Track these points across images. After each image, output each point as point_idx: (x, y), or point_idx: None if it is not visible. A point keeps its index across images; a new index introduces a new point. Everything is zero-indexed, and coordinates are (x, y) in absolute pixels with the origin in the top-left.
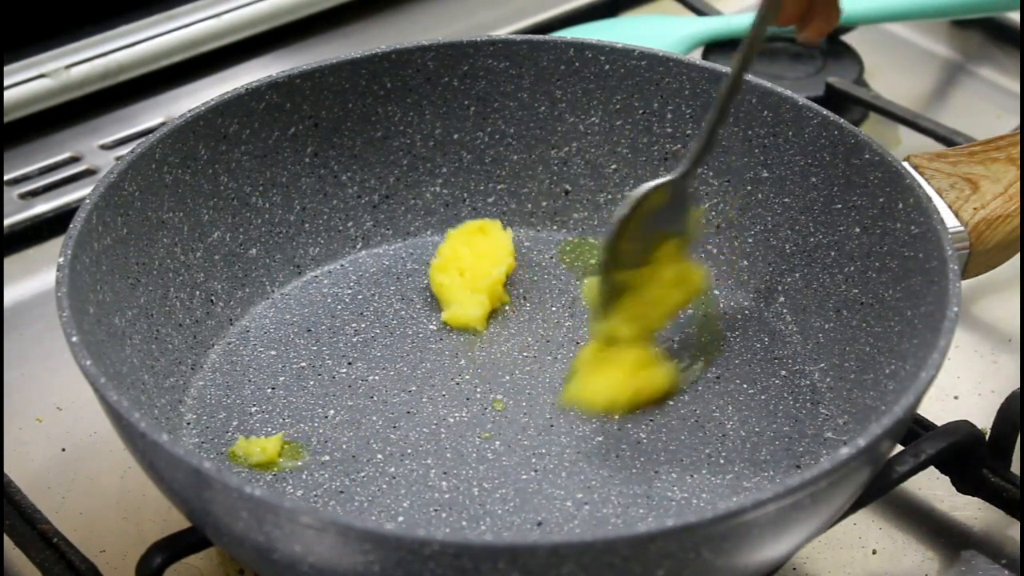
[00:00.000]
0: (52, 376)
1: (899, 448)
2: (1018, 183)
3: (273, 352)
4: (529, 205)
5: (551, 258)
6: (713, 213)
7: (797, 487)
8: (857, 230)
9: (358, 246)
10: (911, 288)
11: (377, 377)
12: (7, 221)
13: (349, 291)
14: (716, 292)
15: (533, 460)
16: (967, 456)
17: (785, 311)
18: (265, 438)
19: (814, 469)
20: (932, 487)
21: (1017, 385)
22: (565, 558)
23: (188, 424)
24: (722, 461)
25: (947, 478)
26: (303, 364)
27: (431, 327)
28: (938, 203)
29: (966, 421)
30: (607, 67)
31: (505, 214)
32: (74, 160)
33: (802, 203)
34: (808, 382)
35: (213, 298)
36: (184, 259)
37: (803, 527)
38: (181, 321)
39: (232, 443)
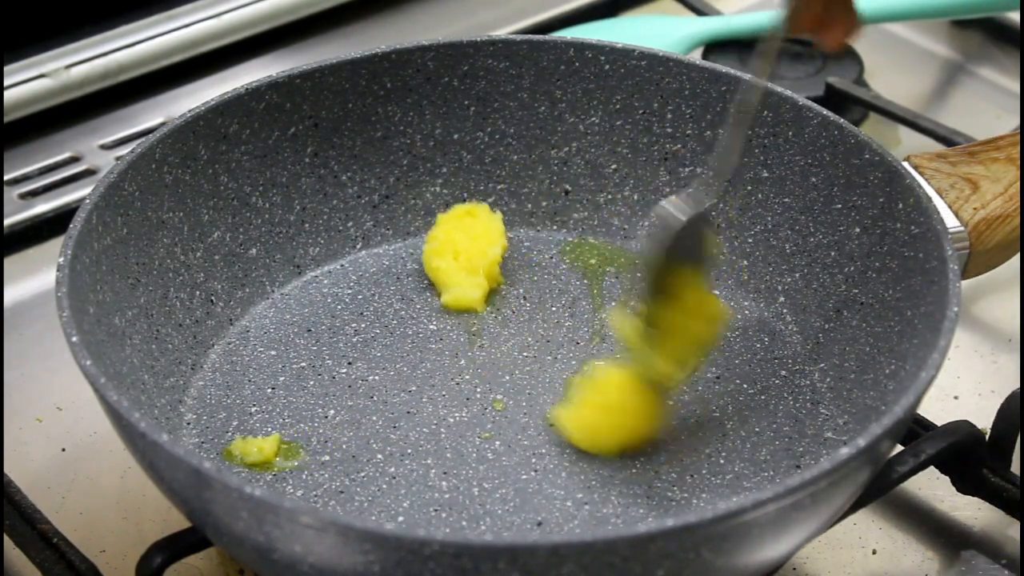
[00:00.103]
0: (52, 376)
1: (899, 448)
2: (1018, 183)
3: (273, 352)
4: (529, 205)
5: (551, 258)
6: (713, 213)
7: (797, 487)
8: (857, 230)
9: (358, 246)
10: (911, 288)
11: (377, 377)
12: (7, 221)
13: (349, 291)
14: (716, 292)
15: (533, 460)
16: (967, 456)
17: (785, 311)
18: (262, 438)
19: (814, 469)
20: (932, 487)
21: (1017, 385)
22: (565, 558)
23: (188, 424)
24: (722, 461)
25: (947, 478)
26: (303, 364)
27: (431, 327)
28: (938, 203)
29: (966, 421)
30: (607, 67)
31: (505, 214)
32: (74, 160)
33: (802, 203)
34: (808, 382)
35: (213, 298)
36: (184, 259)
37: (803, 527)
38: (181, 321)
39: (232, 443)
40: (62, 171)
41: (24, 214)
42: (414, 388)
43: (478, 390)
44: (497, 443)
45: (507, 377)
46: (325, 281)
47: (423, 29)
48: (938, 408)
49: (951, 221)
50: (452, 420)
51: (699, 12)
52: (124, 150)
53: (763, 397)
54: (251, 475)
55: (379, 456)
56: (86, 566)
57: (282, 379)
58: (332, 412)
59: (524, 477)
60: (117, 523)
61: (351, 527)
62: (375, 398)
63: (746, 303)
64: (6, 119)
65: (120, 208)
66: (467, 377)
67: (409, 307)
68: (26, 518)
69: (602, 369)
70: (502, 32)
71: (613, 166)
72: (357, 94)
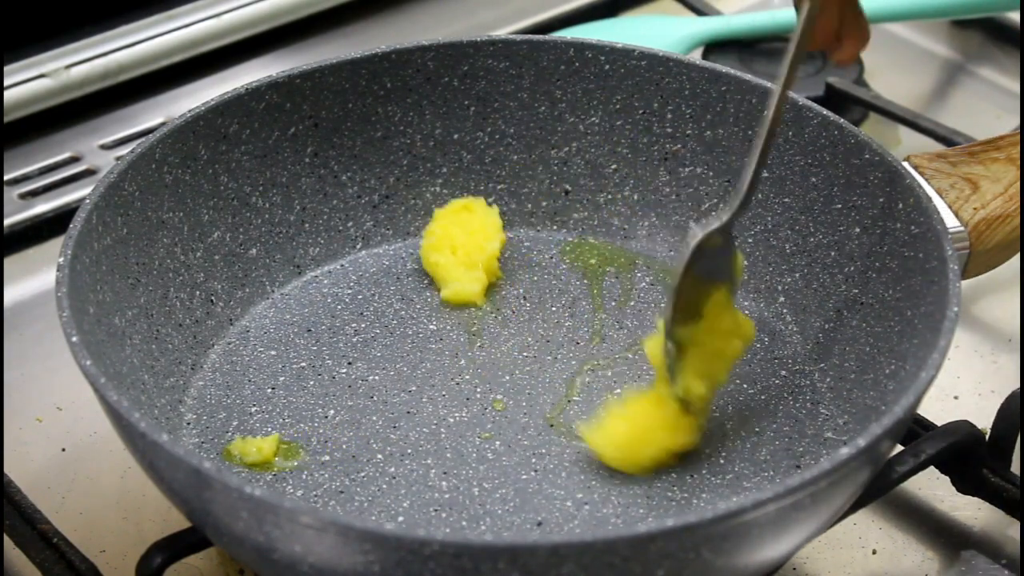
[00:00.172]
0: (52, 376)
1: (899, 448)
2: (1018, 183)
3: (273, 352)
4: (529, 205)
5: (551, 258)
6: (713, 213)
7: (797, 487)
8: (857, 230)
9: (358, 246)
10: (911, 288)
11: (377, 377)
12: (7, 221)
13: (349, 291)
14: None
15: (533, 460)
16: (967, 456)
17: (785, 311)
18: (261, 438)
19: (814, 469)
20: (932, 487)
21: (1017, 385)
22: (565, 558)
23: (188, 424)
24: (722, 461)
25: (947, 478)
26: (303, 364)
27: (431, 327)
28: (938, 203)
29: (966, 421)
30: (607, 67)
31: (505, 214)
32: (74, 160)
33: (802, 203)
34: (808, 382)
35: (213, 298)
36: (184, 259)
37: (803, 527)
38: (181, 321)
39: (231, 443)
40: (62, 171)
41: (24, 214)
42: (414, 388)
43: (478, 390)
44: (497, 443)
45: (507, 377)
46: (325, 281)
47: (423, 29)
48: (938, 408)
49: (951, 221)
50: (452, 420)
51: (699, 12)
52: (124, 150)
53: (763, 397)
54: (251, 475)
55: (379, 456)
56: (86, 566)
57: (282, 379)
58: (332, 412)
59: (524, 477)
60: (117, 523)
61: (351, 527)
62: (375, 398)
63: (746, 303)
64: (6, 119)
65: (120, 208)
66: (467, 377)
67: (409, 307)
68: (26, 518)
69: (633, 390)
70: (502, 32)
71: (613, 166)
72: (357, 94)
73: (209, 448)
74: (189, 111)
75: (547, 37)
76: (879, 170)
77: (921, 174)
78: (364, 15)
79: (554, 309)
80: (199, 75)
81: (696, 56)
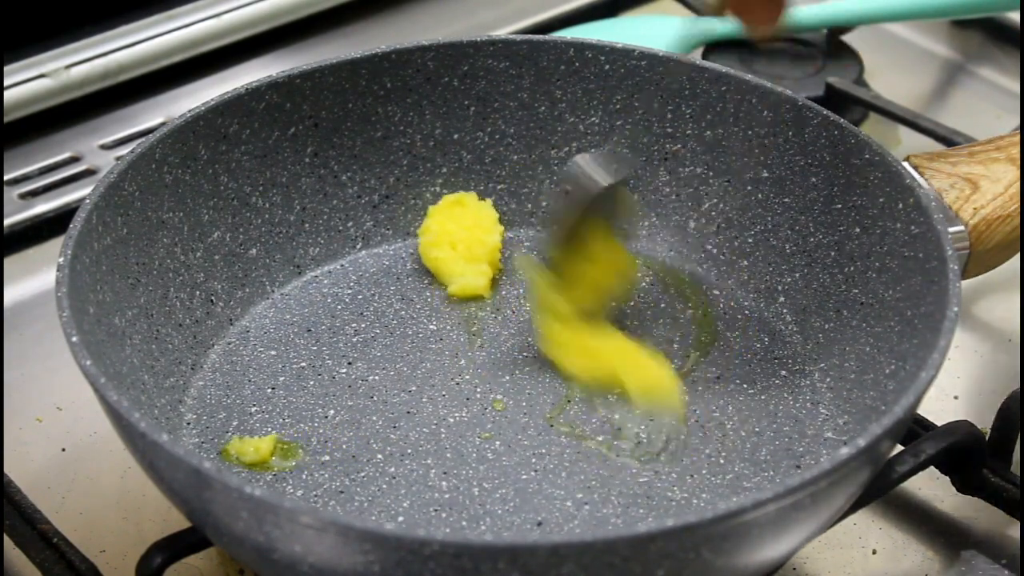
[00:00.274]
0: (52, 376)
1: (899, 448)
2: (1018, 183)
3: (273, 352)
4: (529, 205)
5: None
6: (713, 213)
7: (797, 487)
8: (857, 230)
9: (358, 246)
10: (911, 288)
11: (377, 377)
12: (7, 221)
13: (349, 291)
14: (716, 292)
15: (533, 460)
16: (967, 456)
17: (785, 311)
18: (259, 438)
19: (814, 469)
20: (932, 487)
21: (1017, 385)
22: (565, 558)
23: (188, 424)
24: (722, 461)
25: (947, 478)
26: (303, 364)
27: (431, 327)
28: (938, 203)
29: (966, 421)
30: (607, 67)
31: (505, 214)
32: (74, 160)
33: (802, 203)
34: (808, 382)
35: (213, 298)
36: (184, 259)
37: (803, 527)
38: (181, 321)
39: (228, 443)
40: (62, 171)
41: (24, 214)
42: (414, 388)
43: (478, 390)
44: (497, 443)
45: (507, 377)
46: (325, 281)
47: (423, 29)
48: (938, 408)
49: (951, 221)
50: (452, 420)
51: (699, 12)
52: (124, 150)
53: (763, 397)
54: (251, 475)
55: (379, 456)
56: (86, 566)
57: (282, 379)
58: (332, 412)
59: (524, 477)
60: (117, 523)
61: (351, 527)
62: (375, 398)
63: (746, 303)
64: (6, 119)
65: (120, 208)
66: (467, 377)
67: (409, 307)
68: (26, 518)
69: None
70: (502, 32)
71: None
72: (357, 94)
73: (209, 448)
74: (189, 111)
75: (547, 37)
76: (879, 170)
77: (921, 174)
78: (364, 15)
79: None
80: (199, 75)
81: (696, 56)
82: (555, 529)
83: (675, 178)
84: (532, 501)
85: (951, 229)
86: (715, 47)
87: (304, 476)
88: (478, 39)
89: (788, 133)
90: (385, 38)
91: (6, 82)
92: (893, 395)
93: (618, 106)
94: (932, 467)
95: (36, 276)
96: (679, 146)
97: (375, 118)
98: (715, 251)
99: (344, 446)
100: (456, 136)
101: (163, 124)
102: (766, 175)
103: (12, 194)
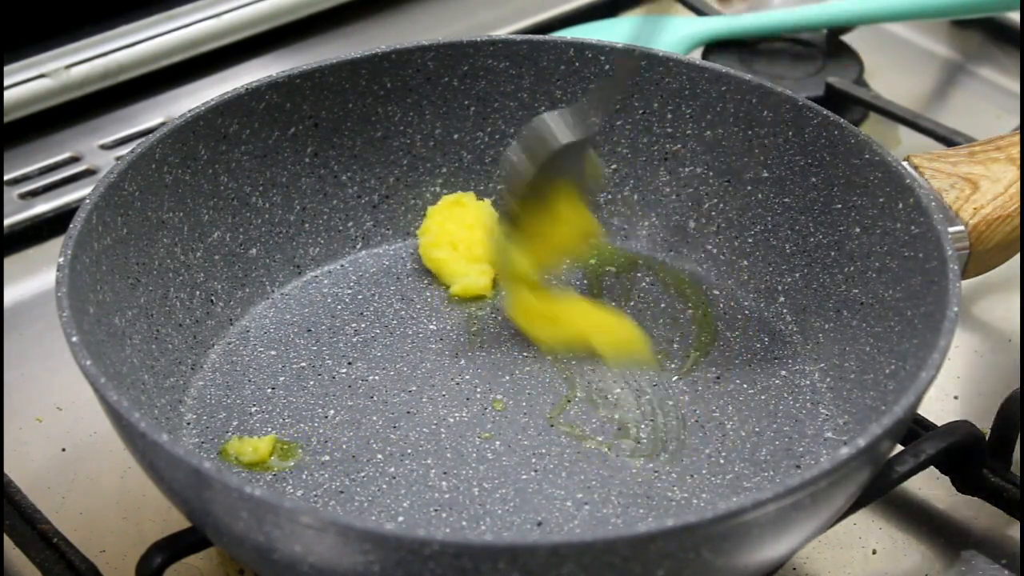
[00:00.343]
0: (52, 376)
1: (899, 448)
2: (1018, 183)
3: (273, 352)
4: None
5: None
6: (713, 213)
7: (797, 487)
8: (857, 230)
9: (358, 246)
10: (911, 288)
11: (377, 377)
12: (7, 221)
13: (349, 291)
14: (716, 292)
15: (533, 460)
16: (967, 456)
17: (785, 311)
18: (257, 438)
19: (814, 469)
20: (932, 487)
21: (1017, 385)
22: (565, 558)
23: (188, 424)
24: (722, 461)
25: (947, 478)
26: (303, 364)
27: (431, 327)
28: (938, 203)
29: (966, 421)
30: (607, 67)
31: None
32: (74, 160)
33: (802, 203)
34: (808, 382)
35: (213, 298)
36: (184, 259)
37: (803, 527)
38: (181, 321)
39: (227, 442)
40: (62, 171)
41: (24, 214)
42: (414, 388)
43: (478, 390)
44: (497, 443)
45: (507, 377)
46: (325, 281)
47: (423, 29)
48: (938, 408)
49: (951, 221)
50: (452, 420)
51: (699, 12)
52: (124, 150)
53: (763, 397)
54: (251, 475)
55: (379, 456)
56: (86, 566)
57: (282, 379)
58: (332, 412)
59: (524, 477)
60: (117, 523)
61: (351, 527)
62: (375, 398)
63: (746, 303)
64: (6, 119)
65: (120, 208)
66: (467, 377)
67: (409, 307)
68: (26, 518)
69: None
70: (502, 32)
71: (613, 166)
72: (357, 94)
73: (209, 448)
74: (189, 111)
75: (547, 37)
76: (879, 170)
77: (921, 174)
78: (364, 15)
79: None
80: (199, 75)
81: (696, 56)
82: (555, 529)
83: (675, 178)
84: (532, 501)
85: (951, 229)
86: (715, 47)
87: (304, 476)
88: (478, 39)
89: (788, 133)
90: (385, 38)
91: (6, 82)
92: (893, 395)
93: (618, 106)
94: (932, 467)
95: (36, 276)
96: (679, 146)
97: (375, 118)
98: (715, 251)
99: (344, 446)
100: (456, 136)
101: (163, 124)
102: (766, 175)
103: (12, 194)
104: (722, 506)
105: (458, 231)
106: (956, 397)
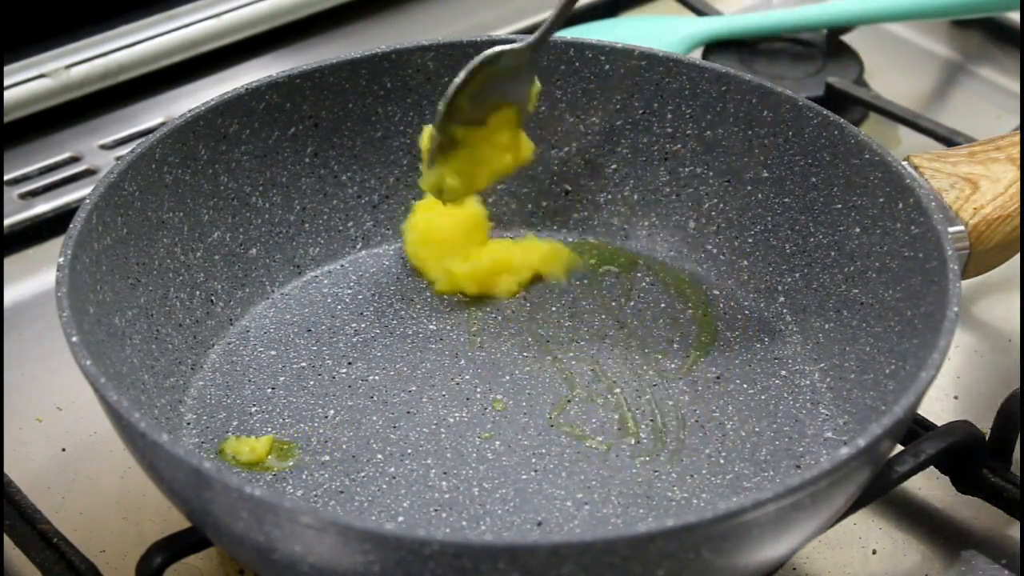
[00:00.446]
0: (52, 376)
1: (899, 448)
2: (1018, 183)
3: (273, 352)
4: (529, 205)
5: None
6: (713, 213)
7: (797, 487)
8: (857, 230)
9: (358, 246)
10: (911, 288)
11: (377, 377)
12: (7, 221)
13: (349, 291)
14: (716, 292)
15: (533, 460)
16: (967, 456)
17: (785, 311)
18: (255, 438)
19: (814, 469)
20: (932, 487)
21: (1017, 385)
22: (565, 558)
23: (188, 424)
24: (722, 461)
25: (947, 478)
26: (303, 364)
27: (431, 327)
28: (938, 203)
29: (966, 421)
30: (607, 67)
31: (505, 214)
32: (74, 160)
33: (802, 203)
34: (808, 382)
35: (213, 298)
36: (184, 259)
37: (803, 527)
38: (181, 321)
39: (225, 442)
40: (62, 171)
41: (24, 214)
42: (414, 388)
43: (478, 390)
44: (497, 443)
45: (507, 377)
46: (325, 281)
47: (423, 29)
48: (938, 408)
49: (951, 221)
50: (452, 420)
51: (699, 12)
52: (124, 150)
53: (763, 397)
54: (251, 475)
55: (379, 456)
56: (86, 566)
57: (282, 379)
58: (332, 412)
59: (524, 477)
60: (117, 523)
61: (351, 527)
62: (375, 398)
63: (746, 303)
64: (6, 119)
65: (120, 208)
66: (467, 377)
67: (409, 307)
68: (26, 518)
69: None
70: (502, 32)
71: (613, 166)
72: (357, 94)
73: (209, 448)
74: (189, 111)
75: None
76: (879, 170)
77: (921, 174)
78: (364, 15)
79: (554, 309)
80: (199, 75)
81: (696, 56)
82: (555, 529)
83: (675, 178)
84: (532, 501)
85: (951, 229)
86: (715, 47)
87: (304, 476)
88: (478, 39)
89: (788, 133)
90: (385, 38)
91: (6, 82)
92: (893, 395)
93: (618, 106)
94: (932, 467)
95: (36, 276)
96: (679, 146)
97: (375, 118)
98: (715, 251)
99: (344, 446)
100: None
101: (163, 124)
102: (766, 175)
103: (12, 194)
104: (722, 506)
105: (441, 228)
106: (956, 397)
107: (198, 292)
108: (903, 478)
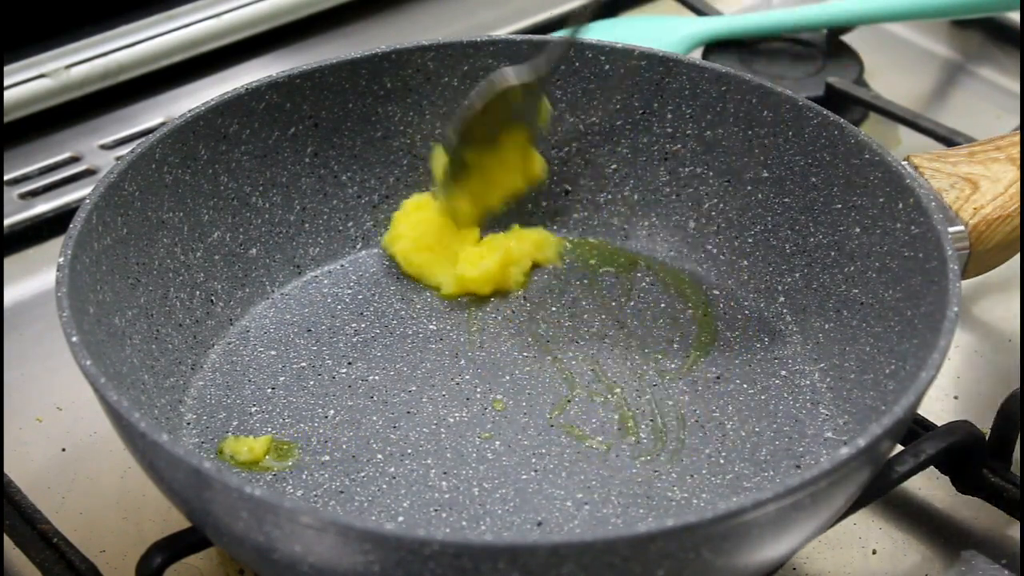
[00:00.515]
0: (52, 376)
1: (899, 448)
2: (1018, 183)
3: (273, 352)
4: (529, 205)
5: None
6: (713, 213)
7: (797, 487)
8: (857, 230)
9: (358, 246)
10: (911, 288)
11: (377, 377)
12: (7, 221)
13: (349, 291)
14: (716, 292)
15: (533, 460)
16: (967, 456)
17: (785, 311)
18: (253, 438)
19: (814, 469)
20: (932, 487)
21: (1017, 385)
22: (565, 558)
23: (188, 424)
24: (722, 461)
25: (947, 478)
26: (303, 364)
27: (431, 327)
28: (938, 203)
29: (966, 421)
30: (607, 67)
31: (505, 214)
32: (74, 160)
33: (802, 203)
34: (808, 382)
35: (213, 298)
36: (184, 259)
37: (803, 527)
38: (181, 321)
39: (223, 441)
40: (62, 171)
41: (24, 214)
42: (414, 388)
43: (478, 390)
44: (497, 443)
45: (507, 377)
46: (325, 281)
47: (423, 29)
48: (938, 408)
49: (951, 221)
50: (452, 420)
51: (699, 12)
52: (124, 150)
53: (763, 397)
54: (252, 475)
55: (379, 456)
56: (86, 566)
57: (282, 379)
58: (332, 412)
59: (524, 477)
60: (117, 523)
61: (351, 527)
62: (375, 398)
63: (746, 303)
64: (6, 119)
65: (120, 208)
66: (467, 377)
67: (409, 307)
68: (26, 518)
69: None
70: (502, 32)
71: (613, 166)
72: (357, 94)
73: (209, 448)
74: (189, 111)
75: (547, 37)
76: (879, 170)
77: (921, 174)
78: (364, 15)
79: (554, 309)
80: (199, 75)
81: (696, 56)
82: (555, 529)
83: (675, 178)
84: (532, 501)
85: (951, 229)
86: (715, 47)
87: (304, 476)
88: (478, 39)
89: (788, 133)
90: (385, 38)
91: (6, 82)
92: (893, 395)
93: (618, 106)
94: (932, 467)
95: (36, 276)
96: (679, 146)
97: (375, 118)
98: (715, 251)
99: (344, 446)
100: None
101: (163, 124)
102: (766, 175)
103: (12, 194)
104: (722, 506)
105: (432, 234)
106: (956, 397)
107: (198, 292)
108: (903, 478)
